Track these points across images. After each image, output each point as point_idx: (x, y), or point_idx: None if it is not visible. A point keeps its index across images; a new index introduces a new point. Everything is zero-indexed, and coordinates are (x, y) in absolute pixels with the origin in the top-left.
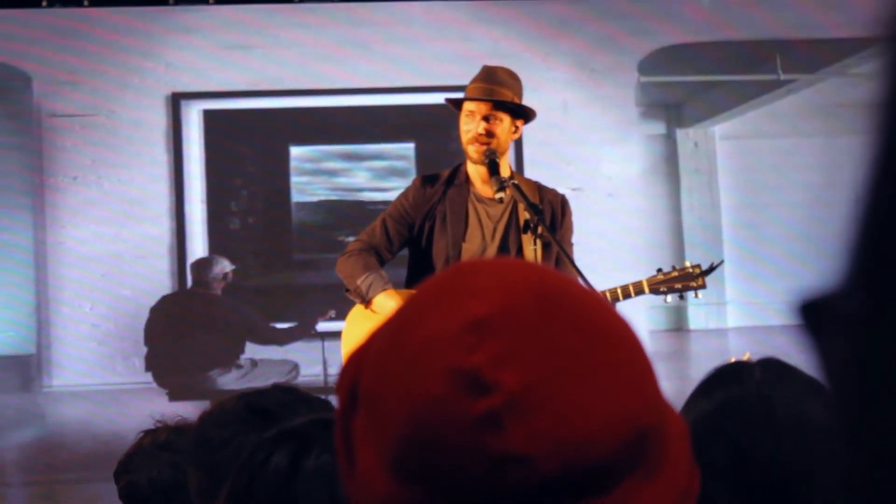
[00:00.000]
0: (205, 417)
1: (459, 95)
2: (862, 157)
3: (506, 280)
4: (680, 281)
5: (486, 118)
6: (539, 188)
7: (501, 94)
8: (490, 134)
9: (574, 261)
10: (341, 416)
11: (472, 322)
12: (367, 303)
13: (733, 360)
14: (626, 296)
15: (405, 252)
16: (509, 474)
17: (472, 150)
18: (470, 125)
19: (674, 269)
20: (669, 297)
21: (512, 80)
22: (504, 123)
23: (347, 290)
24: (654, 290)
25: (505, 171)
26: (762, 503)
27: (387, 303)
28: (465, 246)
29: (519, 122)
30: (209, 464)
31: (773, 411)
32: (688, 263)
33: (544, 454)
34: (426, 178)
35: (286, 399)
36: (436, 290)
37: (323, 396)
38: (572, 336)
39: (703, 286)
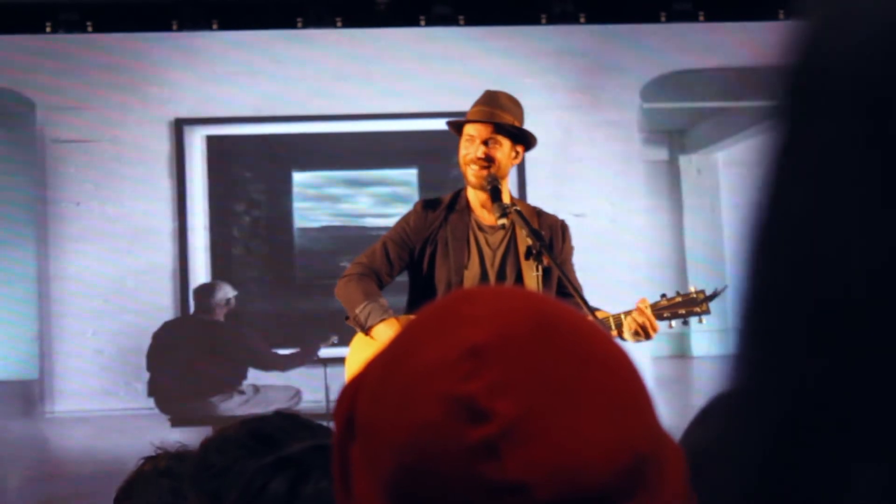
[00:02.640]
0: (207, 443)
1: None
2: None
3: (502, 308)
4: (684, 307)
5: (485, 142)
6: (538, 213)
7: (502, 118)
8: (489, 158)
9: (578, 285)
10: (338, 444)
11: (469, 350)
12: (366, 332)
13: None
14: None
15: (403, 278)
16: (506, 502)
17: (471, 173)
18: (469, 148)
19: (678, 294)
20: (674, 323)
21: (513, 106)
22: (504, 148)
23: (347, 318)
24: (659, 316)
25: (506, 198)
26: None
27: (386, 332)
28: (465, 273)
29: (520, 148)
30: (210, 489)
31: None
32: (692, 289)
33: (541, 482)
34: (427, 203)
35: (288, 425)
36: (432, 318)
37: (325, 423)
38: (569, 364)
39: (708, 312)
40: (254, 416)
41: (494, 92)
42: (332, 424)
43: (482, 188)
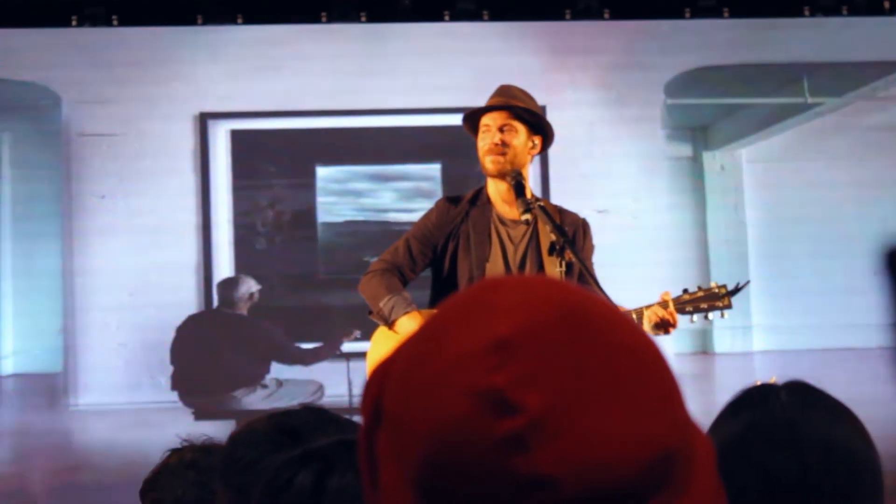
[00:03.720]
0: (234, 437)
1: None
2: None
3: (530, 298)
4: (706, 301)
5: (501, 129)
6: (560, 211)
7: (516, 104)
8: (506, 145)
9: (599, 282)
10: (365, 433)
11: (496, 341)
12: (390, 325)
13: (759, 383)
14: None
15: (427, 273)
16: (533, 496)
17: (489, 162)
18: (486, 137)
19: (699, 289)
20: (695, 317)
21: (526, 96)
22: (520, 135)
23: (371, 312)
24: (680, 310)
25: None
26: None
27: (410, 325)
28: (488, 266)
29: (537, 139)
30: (238, 483)
31: (799, 435)
32: (713, 284)
33: (568, 476)
34: (449, 199)
35: (315, 419)
36: (460, 308)
37: (348, 417)
38: (597, 356)
39: (730, 306)
40: (281, 410)
41: (508, 85)
42: (356, 418)
43: (502, 177)
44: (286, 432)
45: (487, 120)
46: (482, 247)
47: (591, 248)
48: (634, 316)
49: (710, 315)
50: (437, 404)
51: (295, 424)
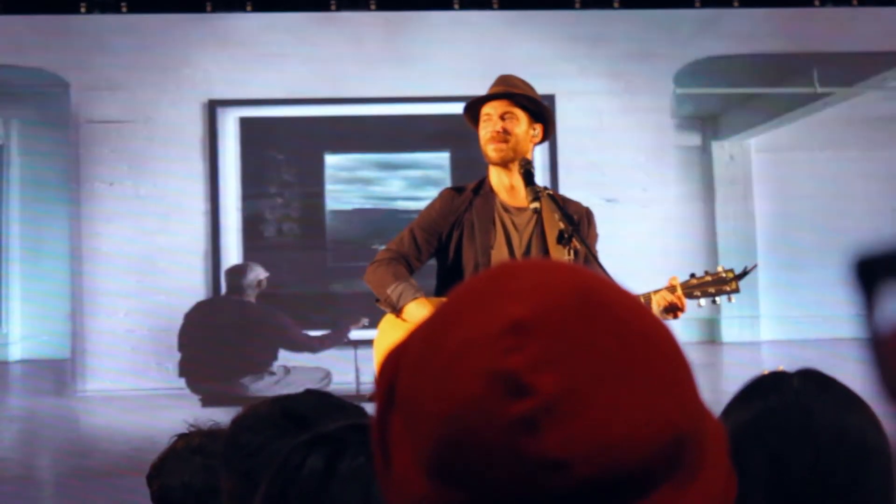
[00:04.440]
0: (238, 421)
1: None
2: None
3: (545, 282)
4: (713, 285)
5: (502, 117)
6: (564, 200)
7: (516, 91)
8: (507, 132)
9: (606, 271)
10: (378, 416)
11: (511, 324)
12: (398, 312)
13: (768, 371)
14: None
15: (432, 262)
16: (545, 478)
17: (491, 150)
18: (487, 127)
19: (707, 273)
20: (703, 302)
21: (525, 85)
22: (521, 123)
23: (378, 300)
24: (688, 295)
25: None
26: None
27: (418, 311)
28: (493, 253)
29: (538, 127)
30: (243, 468)
31: (811, 422)
32: (720, 268)
33: (581, 458)
34: (453, 189)
35: (320, 404)
36: (475, 292)
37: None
38: (612, 340)
39: (737, 290)
40: (285, 395)
41: (506, 75)
42: (362, 405)
43: (504, 165)
44: (291, 417)
45: (488, 109)
46: (486, 234)
47: (595, 237)
48: (642, 300)
49: (718, 299)
50: (451, 386)
51: (300, 409)
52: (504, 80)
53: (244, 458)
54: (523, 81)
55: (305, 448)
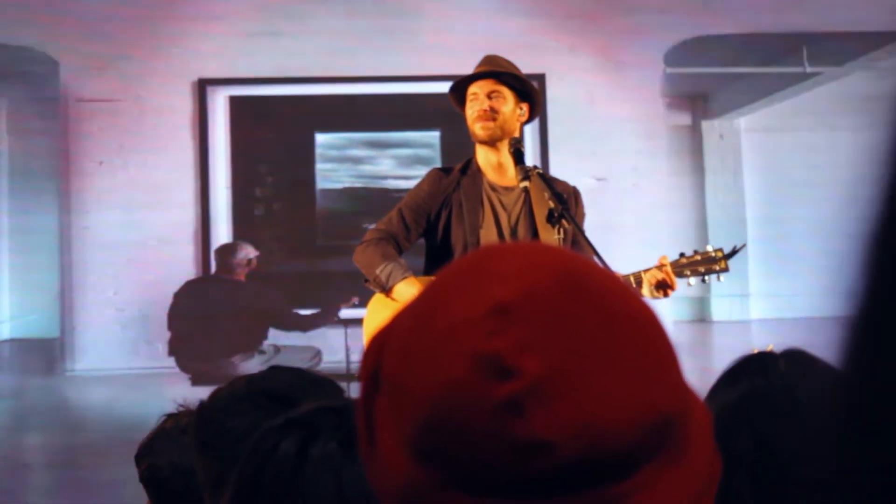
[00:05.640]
0: (212, 402)
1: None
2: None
3: (531, 264)
4: (703, 264)
5: (489, 96)
6: (551, 180)
7: (502, 69)
8: (494, 111)
9: (595, 249)
10: (364, 397)
11: (496, 306)
12: (387, 291)
13: (756, 351)
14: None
15: (422, 242)
16: (529, 460)
17: (479, 129)
18: (474, 106)
19: (696, 252)
20: (693, 281)
21: (511, 65)
22: (509, 102)
23: (367, 281)
24: (678, 274)
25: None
26: (785, 494)
27: (407, 290)
28: (482, 233)
29: (524, 105)
30: (218, 449)
31: (797, 402)
32: (710, 247)
33: (565, 440)
34: (440, 170)
35: (295, 381)
36: (460, 274)
37: (345, 384)
38: (596, 322)
39: (727, 269)
40: (258, 374)
41: (492, 55)
42: (353, 385)
43: (492, 144)
44: (268, 396)
45: (475, 89)
46: (475, 214)
47: (582, 216)
48: (633, 280)
49: (707, 278)
50: (436, 368)
51: (276, 388)
52: (489, 60)
53: (232, 442)
54: (508, 61)
55: (278, 432)
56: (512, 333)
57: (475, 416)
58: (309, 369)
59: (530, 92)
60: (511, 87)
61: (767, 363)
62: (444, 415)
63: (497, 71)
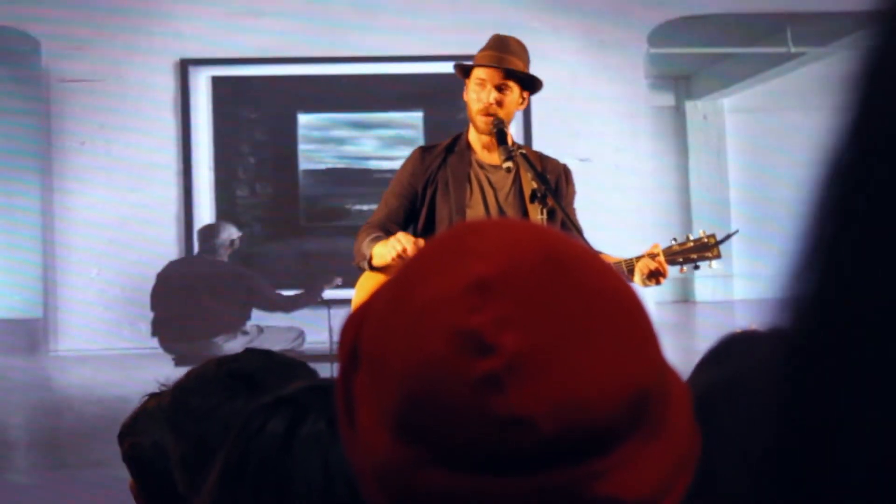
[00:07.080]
0: (183, 385)
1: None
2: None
3: (510, 241)
4: (696, 251)
5: (497, 87)
6: (541, 158)
7: (513, 64)
8: (500, 104)
9: (581, 228)
10: (342, 374)
11: (475, 283)
12: (369, 261)
13: (740, 330)
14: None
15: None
16: (509, 436)
17: (482, 122)
18: (481, 94)
19: (688, 239)
20: (685, 268)
21: (522, 51)
22: (514, 94)
23: (361, 269)
24: (671, 261)
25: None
26: (770, 474)
27: (383, 249)
28: (468, 212)
29: (526, 94)
30: (194, 433)
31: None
32: (702, 233)
33: (544, 416)
34: (424, 149)
35: (265, 364)
36: (439, 250)
37: (329, 364)
38: (575, 298)
39: (719, 256)
40: (229, 357)
41: (503, 36)
42: (330, 366)
43: (489, 133)
44: (239, 378)
45: (482, 74)
46: (461, 191)
47: (573, 194)
48: (625, 267)
49: (700, 265)
50: (415, 344)
51: (246, 369)
52: (501, 45)
53: (194, 422)
54: (518, 44)
55: (265, 412)
56: (491, 310)
57: (454, 393)
58: (285, 351)
59: (536, 85)
60: (518, 79)
61: (752, 342)
62: (423, 391)
63: (511, 69)
